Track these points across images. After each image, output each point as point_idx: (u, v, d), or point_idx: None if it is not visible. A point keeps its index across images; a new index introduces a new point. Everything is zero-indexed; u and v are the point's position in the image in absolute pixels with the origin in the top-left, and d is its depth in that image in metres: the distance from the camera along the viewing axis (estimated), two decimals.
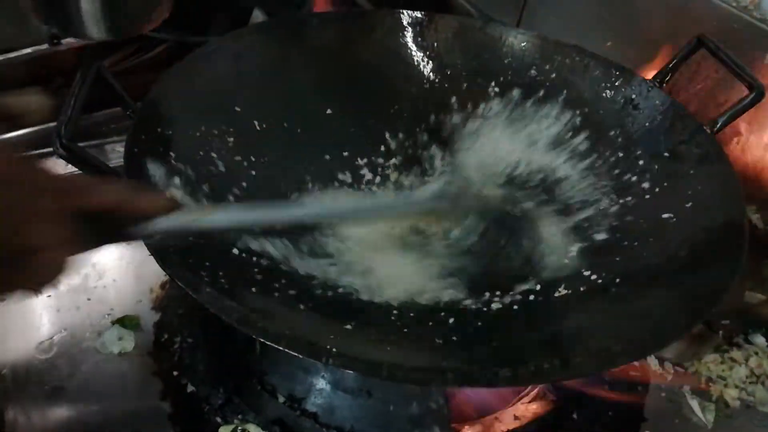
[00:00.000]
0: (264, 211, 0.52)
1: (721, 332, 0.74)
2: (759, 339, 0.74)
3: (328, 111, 0.75)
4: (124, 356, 0.65)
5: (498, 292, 0.61)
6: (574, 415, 0.64)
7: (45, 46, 0.85)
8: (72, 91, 0.55)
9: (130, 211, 0.43)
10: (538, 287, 0.62)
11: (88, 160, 0.53)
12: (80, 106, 0.54)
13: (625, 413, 0.66)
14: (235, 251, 0.57)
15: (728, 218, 0.59)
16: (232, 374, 0.64)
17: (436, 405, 0.59)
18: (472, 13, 1.10)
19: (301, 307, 0.56)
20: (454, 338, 0.55)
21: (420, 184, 0.74)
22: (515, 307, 0.60)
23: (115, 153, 0.82)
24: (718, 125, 0.67)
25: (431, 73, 0.80)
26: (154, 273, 0.72)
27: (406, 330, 0.56)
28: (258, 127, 0.70)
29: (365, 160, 0.75)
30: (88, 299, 0.69)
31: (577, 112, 0.74)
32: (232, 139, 0.67)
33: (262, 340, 0.46)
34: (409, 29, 0.80)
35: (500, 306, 0.60)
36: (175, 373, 0.64)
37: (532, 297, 0.61)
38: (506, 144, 0.76)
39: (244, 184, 0.65)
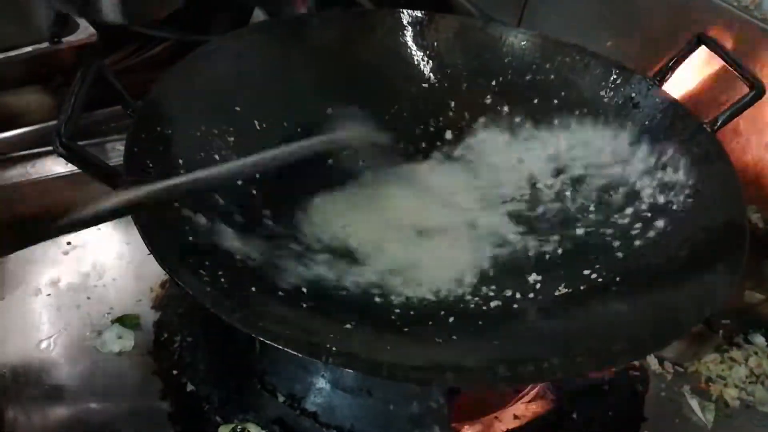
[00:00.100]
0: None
1: (721, 332, 0.74)
2: (759, 339, 0.74)
3: (329, 111, 0.75)
4: (124, 355, 0.65)
5: (498, 289, 0.61)
6: (574, 415, 0.64)
7: (45, 45, 0.85)
8: (72, 90, 0.55)
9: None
10: (538, 286, 0.62)
11: (88, 159, 0.53)
12: (80, 105, 0.54)
13: (625, 413, 0.66)
14: (238, 256, 0.57)
15: (728, 218, 0.59)
16: (232, 373, 0.64)
17: (436, 404, 0.59)
18: (472, 13, 1.11)
19: (302, 306, 0.56)
20: (454, 338, 0.55)
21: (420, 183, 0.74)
22: (515, 306, 0.60)
23: (116, 152, 0.82)
24: (718, 123, 0.67)
25: (432, 73, 0.80)
26: (154, 272, 0.72)
27: (406, 330, 0.56)
28: (258, 127, 0.70)
29: (367, 157, 0.75)
30: (88, 298, 0.69)
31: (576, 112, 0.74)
32: (232, 139, 0.67)
33: (262, 339, 0.46)
34: (410, 29, 0.80)
35: (500, 305, 0.60)
36: (175, 372, 0.64)
37: (531, 296, 0.61)
38: (507, 145, 0.76)
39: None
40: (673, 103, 0.70)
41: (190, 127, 0.64)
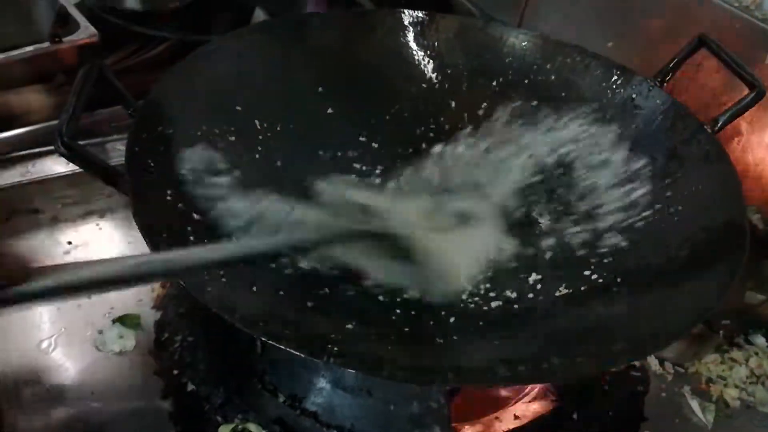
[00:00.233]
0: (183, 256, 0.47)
1: (721, 332, 0.74)
2: (759, 339, 0.74)
3: (329, 111, 0.75)
4: (125, 355, 0.65)
5: (498, 289, 0.61)
6: (575, 415, 0.64)
7: (46, 45, 0.85)
8: (73, 90, 0.55)
9: None
10: (539, 286, 0.62)
11: (89, 158, 0.53)
12: (81, 105, 0.54)
13: (625, 413, 0.66)
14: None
15: (729, 218, 0.59)
16: (233, 373, 0.64)
17: (436, 404, 0.59)
18: (473, 13, 1.11)
19: (302, 306, 0.56)
20: (454, 338, 0.55)
21: (420, 184, 0.74)
22: (515, 306, 0.60)
23: (116, 152, 0.82)
24: (719, 125, 0.67)
25: (432, 73, 0.80)
26: None
27: (406, 330, 0.56)
28: (259, 127, 0.70)
29: (366, 160, 0.75)
30: (89, 298, 0.69)
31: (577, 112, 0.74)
32: (233, 139, 0.67)
33: (263, 339, 0.46)
34: (410, 29, 0.80)
35: (500, 305, 0.60)
36: (175, 372, 0.64)
37: (531, 296, 0.61)
38: (507, 146, 0.76)
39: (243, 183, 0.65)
40: (674, 103, 0.70)
41: (191, 127, 0.64)
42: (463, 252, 0.66)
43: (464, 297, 0.61)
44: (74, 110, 0.53)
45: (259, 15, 1.05)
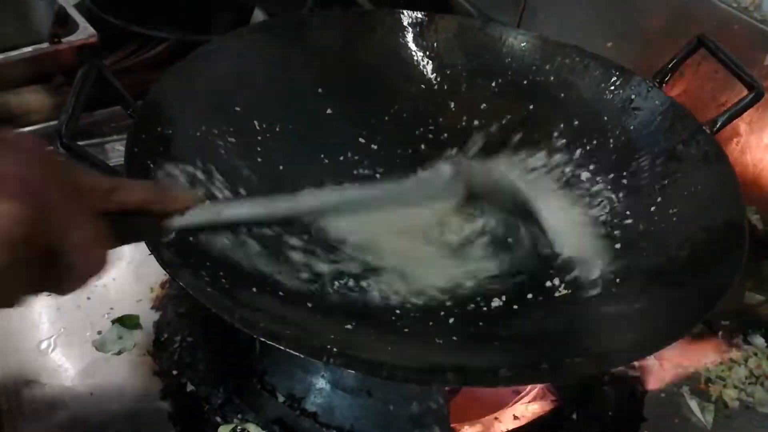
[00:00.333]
0: (284, 203, 0.55)
1: (720, 333, 0.74)
2: (758, 340, 0.74)
3: (329, 111, 0.75)
4: (124, 355, 0.65)
5: (498, 290, 0.61)
6: (574, 415, 0.64)
7: (45, 45, 0.85)
8: (72, 90, 0.55)
9: (156, 209, 0.47)
10: (538, 286, 0.62)
11: (89, 159, 0.53)
12: (81, 105, 0.54)
13: (624, 413, 0.66)
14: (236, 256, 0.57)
15: (728, 218, 0.59)
16: (232, 374, 0.64)
17: (435, 405, 0.59)
18: (472, 14, 1.11)
19: (302, 306, 0.56)
20: (454, 338, 0.55)
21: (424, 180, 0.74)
22: (515, 306, 0.60)
23: (116, 152, 0.82)
24: (718, 125, 0.67)
25: (431, 74, 0.80)
26: (155, 272, 0.72)
27: (406, 330, 0.56)
28: (258, 127, 0.70)
29: (366, 161, 0.75)
30: (88, 298, 0.69)
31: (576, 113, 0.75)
32: (232, 139, 0.67)
33: (262, 339, 0.46)
34: (410, 29, 0.80)
35: (500, 305, 0.60)
36: (175, 372, 0.64)
37: (531, 296, 0.61)
38: (507, 145, 0.76)
39: (244, 183, 0.65)
40: (673, 104, 0.70)
41: (191, 128, 0.64)
42: (462, 252, 0.66)
43: (464, 297, 0.61)
44: (73, 110, 0.53)
45: (259, 15, 1.05)
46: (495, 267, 0.65)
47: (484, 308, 0.60)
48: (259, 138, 0.70)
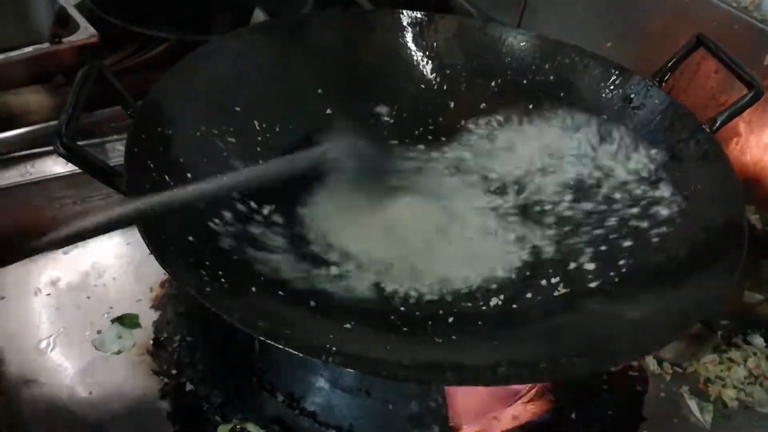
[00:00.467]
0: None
1: (719, 332, 0.74)
2: (757, 339, 0.74)
3: (328, 111, 0.75)
4: (124, 355, 0.65)
5: (497, 289, 0.61)
6: (573, 415, 0.64)
7: (46, 45, 0.85)
8: (73, 90, 0.55)
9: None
10: (537, 286, 0.62)
11: (89, 159, 0.53)
12: (81, 105, 0.54)
13: (623, 413, 0.66)
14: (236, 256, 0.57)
15: (728, 218, 0.59)
16: (232, 373, 0.64)
17: (435, 404, 0.59)
18: (472, 13, 1.11)
19: (302, 306, 0.56)
20: (454, 338, 0.56)
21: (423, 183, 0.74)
22: (514, 306, 0.60)
23: (116, 152, 0.82)
24: (717, 124, 0.67)
25: (431, 74, 0.80)
26: (154, 272, 0.72)
27: (405, 329, 0.56)
28: (258, 127, 0.70)
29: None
30: (88, 298, 0.69)
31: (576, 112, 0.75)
32: (232, 139, 0.67)
33: (262, 339, 0.46)
34: (409, 29, 0.80)
35: (499, 305, 0.60)
36: (174, 371, 0.64)
37: (530, 295, 0.61)
38: (507, 145, 0.76)
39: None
40: (673, 103, 0.70)
41: (190, 127, 0.64)
42: (462, 252, 0.66)
43: (463, 297, 0.61)
44: (73, 110, 0.53)
45: (259, 15, 1.05)
46: (495, 267, 0.65)
47: (483, 307, 0.60)
48: (259, 138, 0.70)
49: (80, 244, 0.75)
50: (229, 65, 0.71)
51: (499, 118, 0.77)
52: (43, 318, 0.67)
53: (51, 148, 0.52)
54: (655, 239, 0.63)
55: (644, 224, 0.64)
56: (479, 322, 0.58)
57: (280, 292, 0.56)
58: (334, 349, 0.45)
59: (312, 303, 0.57)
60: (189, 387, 0.63)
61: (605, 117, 0.73)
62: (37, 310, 0.68)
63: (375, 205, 0.70)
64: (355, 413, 0.60)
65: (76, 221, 0.48)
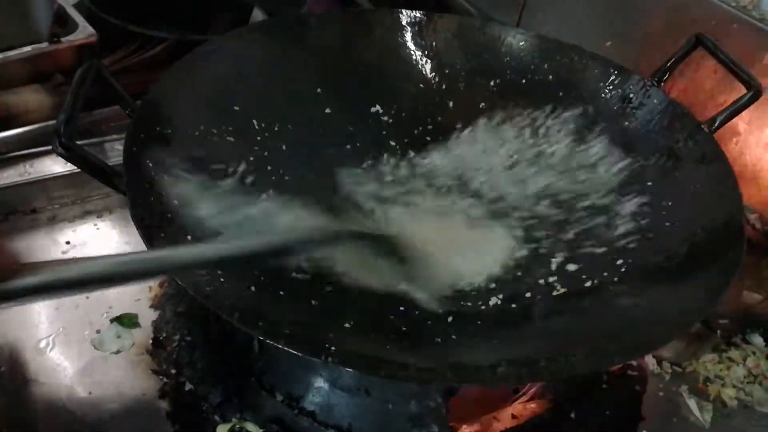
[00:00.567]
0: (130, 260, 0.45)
1: (719, 332, 0.74)
2: (757, 339, 0.74)
3: (328, 110, 0.75)
4: (123, 354, 0.65)
5: (496, 289, 0.61)
6: (572, 415, 0.64)
7: (44, 45, 0.85)
8: (71, 90, 0.55)
9: None
10: (537, 286, 0.62)
11: (88, 158, 0.53)
12: (80, 105, 0.54)
13: (622, 412, 0.66)
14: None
15: (727, 217, 0.60)
16: (231, 373, 0.64)
17: (434, 404, 0.59)
18: (471, 13, 1.11)
19: (301, 305, 0.56)
20: (453, 337, 0.55)
21: (421, 182, 0.74)
22: (513, 305, 0.60)
23: (115, 151, 0.82)
24: (716, 124, 0.67)
25: (430, 73, 0.80)
26: None
27: (404, 329, 0.56)
28: (257, 127, 0.70)
29: (365, 160, 0.75)
30: (87, 297, 0.69)
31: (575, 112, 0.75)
32: (231, 139, 0.67)
33: (261, 338, 0.46)
34: (409, 29, 0.80)
35: (498, 304, 0.60)
36: (173, 371, 0.64)
37: (529, 295, 0.61)
38: (507, 145, 0.76)
39: (243, 183, 0.65)
40: (672, 103, 0.70)
41: (189, 127, 0.64)
42: (461, 252, 0.66)
43: (463, 297, 0.61)
44: (72, 110, 0.53)
45: (258, 15, 1.05)
46: (494, 266, 0.65)
47: (482, 307, 0.60)
48: (259, 138, 0.70)
49: (79, 243, 0.75)
50: (229, 65, 0.71)
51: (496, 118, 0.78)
52: (42, 317, 0.67)
53: (50, 147, 0.52)
54: (654, 238, 0.63)
55: (642, 223, 0.65)
56: (479, 322, 0.58)
57: (281, 292, 0.56)
58: (333, 348, 0.45)
59: (312, 302, 0.57)
60: (188, 386, 0.63)
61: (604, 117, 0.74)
62: (36, 310, 0.68)
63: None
64: (355, 413, 0.60)
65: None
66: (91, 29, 0.88)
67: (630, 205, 0.67)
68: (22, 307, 0.68)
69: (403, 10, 0.80)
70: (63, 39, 0.86)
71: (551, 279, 0.62)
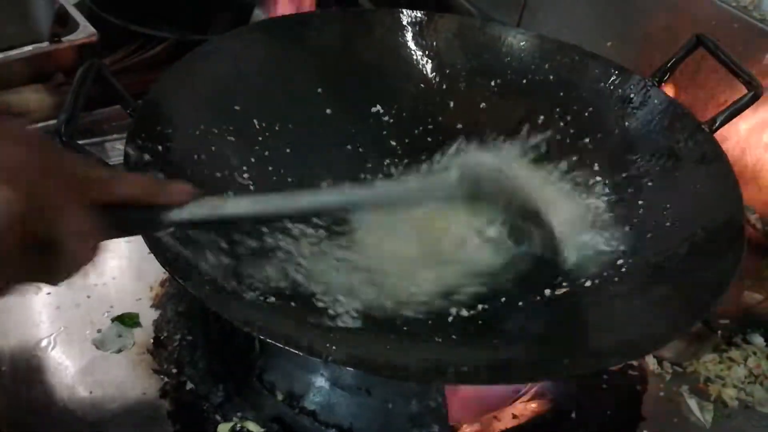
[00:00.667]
0: (285, 200, 0.51)
1: (719, 332, 0.74)
2: (758, 339, 0.74)
3: (328, 110, 0.75)
4: (124, 354, 0.65)
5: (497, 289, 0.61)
6: (573, 414, 0.64)
7: (45, 44, 0.85)
8: (72, 89, 0.55)
9: (153, 202, 0.45)
10: (537, 286, 0.62)
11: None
12: (80, 104, 0.54)
13: (623, 412, 0.66)
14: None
15: (727, 217, 0.60)
16: (232, 372, 0.64)
17: (434, 403, 0.59)
18: (472, 13, 1.11)
19: (302, 305, 0.56)
20: (454, 337, 0.56)
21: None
22: (514, 305, 0.60)
23: (115, 151, 0.82)
24: (717, 124, 0.67)
25: (431, 73, 0.80)
26: (154, 271, 0.72)
27: (405, 328, 0.56)
28: (258, 126, 0.70)
29: (365, 160, 0.75)
30: (88, 297, 0.69)
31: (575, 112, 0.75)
32: (232, 138, 0.67)
33: (262, 338, 0.46)
34: (409, 29, 0.80)
35: (499, 304, 0.60)
36: (174, 370, 0.64)
37: (529, 295, 0.61)
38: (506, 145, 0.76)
39: (243, 182, 0.65)
40: (672, 103, 0.70)
41: (190, 127, 0.64)
42: (462, 252, 0.66)
43: (463, 297, 0.61)
44: (73, 110, 0.53)
45: (259, 15, 1.05)
46: (495, 266, 0.65)
47: (483, 307, 0.60)
48: (259, 138, 0.70)
49: None
50: (229, 64, 0.71)
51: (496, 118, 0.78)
52: (43, 317, 0.67)
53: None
54: (654, 238, 0.63)
55: (642, 222, 0.65)
56: (479, 322, 0.58)
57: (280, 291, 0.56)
58: (334, 348, 0.45)
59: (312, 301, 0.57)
60: (189, 386, 0.63)
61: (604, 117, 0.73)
62: (38, 309, 0.68)
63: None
64: (355, 412, 0.60)
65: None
66: (91, 29, 0.88)
67: (630, 205, 0.67)
68: (23, 306, 0.68)
69: (404, 10, 0.80)
70: (64, 38, 0.86)
71: (551, 280, 0.62)
